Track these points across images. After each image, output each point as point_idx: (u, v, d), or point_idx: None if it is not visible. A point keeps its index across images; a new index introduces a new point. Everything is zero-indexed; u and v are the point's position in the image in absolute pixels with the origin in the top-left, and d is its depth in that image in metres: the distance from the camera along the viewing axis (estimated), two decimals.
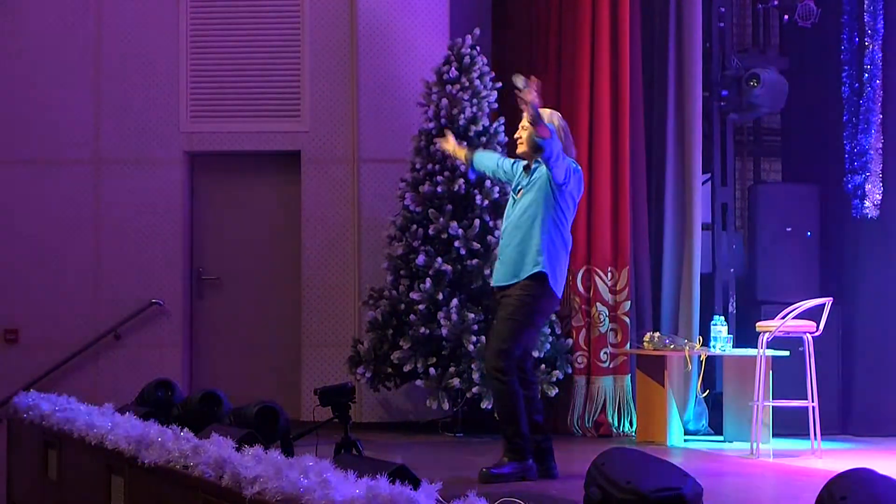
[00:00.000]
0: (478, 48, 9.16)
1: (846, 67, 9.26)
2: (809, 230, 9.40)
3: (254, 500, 3.90)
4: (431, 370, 8.63)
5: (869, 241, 9.21)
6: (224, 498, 4.20)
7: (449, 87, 8.99)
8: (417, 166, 9.05)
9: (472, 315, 8.54)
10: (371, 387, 9.05)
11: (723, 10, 9.65)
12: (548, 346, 8.64)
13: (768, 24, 10.02)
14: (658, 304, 9.17)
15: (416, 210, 8.95)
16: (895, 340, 9.09)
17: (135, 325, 9.96)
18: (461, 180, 8.82)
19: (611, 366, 8.95)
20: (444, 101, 8.96)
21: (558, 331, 8.85)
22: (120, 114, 10.07)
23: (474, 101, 8.94)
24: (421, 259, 8.77)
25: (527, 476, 6.24)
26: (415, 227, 8.92)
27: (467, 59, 9.05)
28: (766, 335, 7.86)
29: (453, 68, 9.03)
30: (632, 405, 8.87)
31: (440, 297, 8.65)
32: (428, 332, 8.64)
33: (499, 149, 8.72)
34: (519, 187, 6.51)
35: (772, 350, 8.08)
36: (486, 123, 8.96)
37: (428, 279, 8.68)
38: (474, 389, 8.49)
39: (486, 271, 8.65)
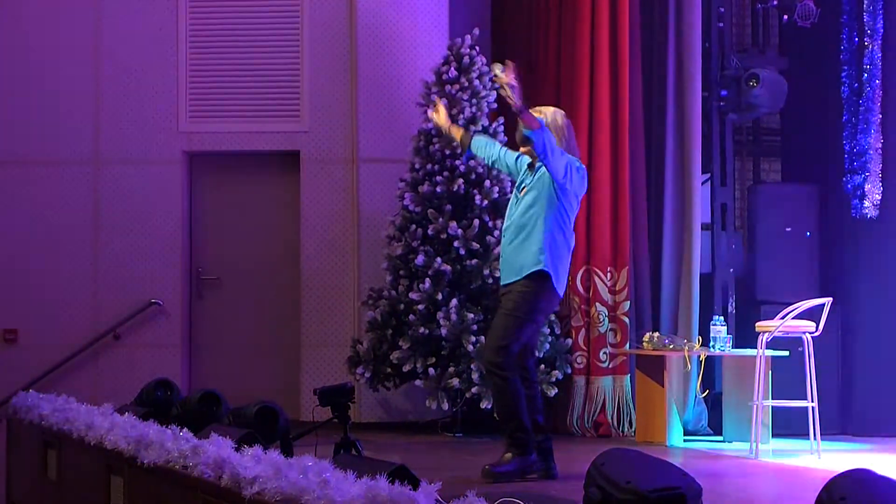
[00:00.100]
0: (477, 48, 9.16)
1: (845, 67, 9.26)
2: (809, 230, 9.40)
3: (253, 500, 3.90)
4: (431, 370, 8.63)
5: (868, 241, 9.21)
6: (223, 498, 4.20)
7: (448, 87, 8.99)
8: (417, 166, 9.05)
9: (471, 315, 8.54)
10: (370, 387, 9.05)
11: (722, 9, 9.64)
12: (547, 346, 8.64)
13: (768, 23, 10.01)
14: (657, 305, 9.17)
15: (415, 210, 8.95)
16: (895, 340, 9.09)
17: (134, 326, 9.96)
18: (460, 180, 8.82)
19: (610, 366, 8.95)
20: (444, 101, 8.95)
21: (557, 331, 8.86)
22: (119, 114, 10.07)
23: (473, 101, 8.94)
24: (420, 259, 8.76)
25: (531, 471, 6.23)
26: (414, 227, 8.92)
27: (466, 60, 9.05)
28: (766, 335, 7.86)
29: (452, 68, 9.03)
30: (631, 405, 8.87)
31: (439, 297, 8.65)
32: (427, 332, 8.64)
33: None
34: (523, 185, 6.48)
35: (771, 350, 8.08)
36: (486, 123, 8.96)
37: (427, 279, 8.68)
38: (473, 389, 8.49)
39: (486, 271, 8.65)
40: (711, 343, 8.47)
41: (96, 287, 10.00)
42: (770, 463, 7.56)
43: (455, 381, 8.52)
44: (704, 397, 8.97)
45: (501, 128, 8.96)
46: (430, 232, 8.82)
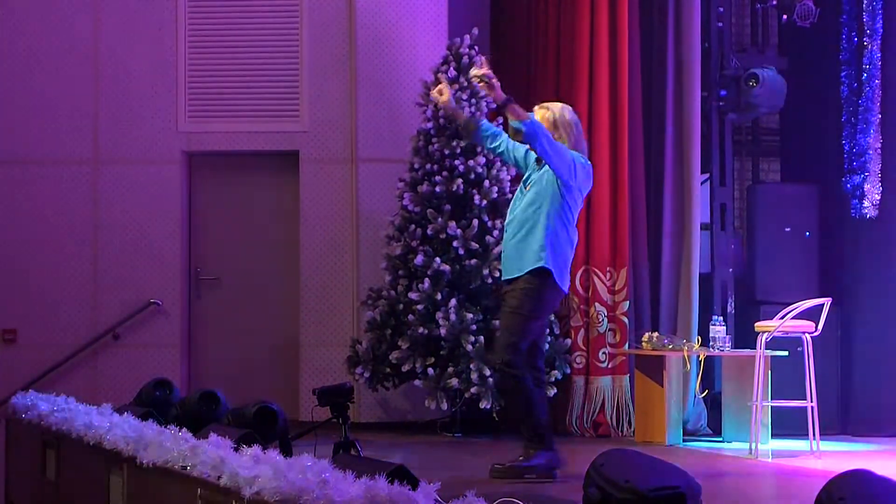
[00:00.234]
0: (476, 48, 9.15)
1: (845, 67, 9.26)
2: (808, 230, 9.40)
3: (252, 500, 3.90)
4: (430, 370, 8.63)
5: (868, 241, 9.21)
6: (222, 498, 4.20)
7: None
8: (416, 166, 9.05)
9: (470, 315, 8.54)
10: (369, 387, 9.05)
11: (721, 9, 9.64)
12: (546, 346, 8.63)
13: (767, 23, 10.01)
14: (657, 305, 9.16)
15: (414, 210, 8.95)
16: (894, 340, 9.09)
17: (133, 325, 9.96)
18: (459, 180, 8.82)
19: (609, 366, 8.94)
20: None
21: (557, 331, 8.85)
22: (118, 114, 10.06)
23: (472, 101, 8.93)
24: (419, 259, 8.76)
25: (556, 465, 6.21)
26: (413, 227, 8.92)
27: (466, 60, 9.05)
28: (765, 335, 7.86)
29: (452, 68, 9.02)
30: (630, 405, 8.87)
31: (439, 297, 8.64)
32: (426, 332, 8.64)
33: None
34: (529, 181, 6.46)
35: (770, 350, 8.08)
36: None
37: (426, 279, 8.67)
38: (473, 390, 8.48)
39: (485, 271, 8.65)
40: (711, 343, 8.47)
41: (95, 287, 10.00)
42: (769, 463, 7.56)
43: (454, 381, 8.51)
44: (704, 397, 8.97)
45: (501, 128, 8.93)
46: (429, 232, 8.82)
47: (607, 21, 9.06)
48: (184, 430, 5.16)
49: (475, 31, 9.23)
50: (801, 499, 5.38)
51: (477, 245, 8.70)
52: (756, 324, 8.12)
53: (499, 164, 8.93)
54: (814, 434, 7.79)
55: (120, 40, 10.09)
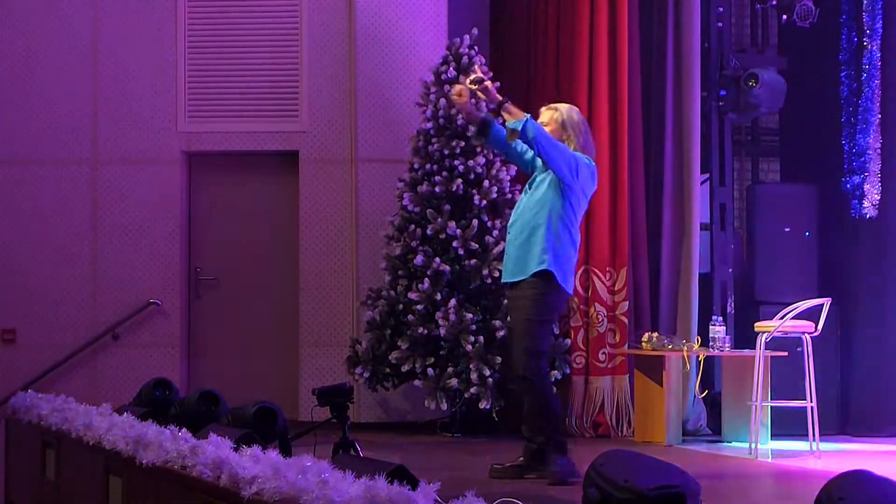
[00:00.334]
0: (476, 48, 9.15)
1: (844, 67, 9.26)
2: (808, 230, 9.40)
3: (252, 500, 3.89)
4: (429, 370, 8.63)
5: (867, 241, 9.21)
6: (222, 498, 4.20)
7: (447, 87, 8.97)
8: (416, 166, 9.05)
9: (470, 315, 8.54)
10: (369, 387, 9.05)
11: (721, 9, 9.64)
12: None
13: (767, 23, 10.01)
14: (656, 305, 9.16)
15: (414, 210, 8.95)
16: (894, 341, 9.09)
17: (133, 326, 9.96)
18: (459, 180, 8.82)
19: (609, 366, 8.94)
20: (443, 101, 8.95)
21: (556, 331, 8.84)
22: (118, 114, 10.06)
23: (472, 101, 8.90)
24: (419, 259, 8.76)
25: (574, 475, 6.20)
26: (413, 227, 8.92)
27: (465, 60, 9.04)
28: (765, 335, 7.86)
29: (451, 68, 9.02)
30: (630, 405, 8.87)
31: (438, 297, 8.64)
32: (426, 332, 8.64)
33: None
34: (534, 183, 6.43)
35: (770, 350, 8.08)
36: None
37: (426, 279, 8.67)
38: (472, 390, 8.49)
39: (485, 271, 8.65)
40: (710, 343, 8.47)
41: (95, 287, 10.00)
42: (769, 463, 7.56)
43: (454, 382, 8.51)
44: (703, 397, 8.97)
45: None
46: (428, 232, 8.82)
47: (607, 21, 9.06)
48: (183, 430, 5.16)
49: (475, 31, 9.23)
50: (801, 499, 5.38)
51: (476, 245, 8.70)
52: (756, 324, 8.12)
53: (498, 164, 8.93)
54: (813, 434, 7.79)
55: (120, 40, 10.09)
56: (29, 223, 10.03)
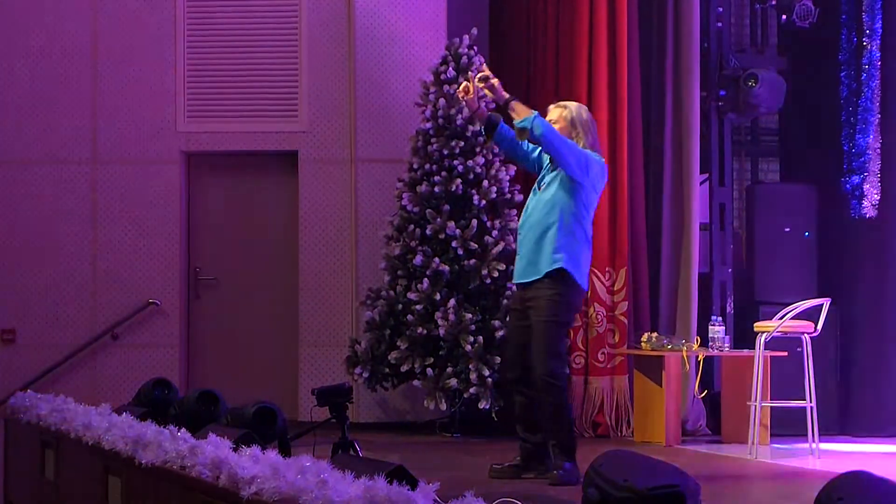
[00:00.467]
0: (475, 48, 9.15)
1: (844, 67, 9.27)
2: (807, 230, 9.40)
3: (251, 500, 3.89)
4: (429, 370, 8.63)
5: (867, 242, 9.21)
6: (221, 498, 4.19)
7: (446, 87, 8.99)
8: (415, 166, 9.04)
9: (469, 315, 8.54)
10: (368, 387, 9.04)
11: (720, 9, 9.64)
12: None
13: (766, 23, 10.01)
14: (656, 305, 9.17)
15: (413, 210, 8.95)
16: (893, 341, 9.09)
17: (132, 326, 9.96)
18: (458, 180, 8.82)
19: (608, 366, 8.94)
20: (442, 101, 8.95)
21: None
22: (117, 114, 10.06)
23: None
24: (418, 259, 8.76)
25: (579, 478, 6.19)
26: (412, 227, 8.92)
27: (465, 60, 9.04)
28: (764, 335, 7.86)
29: (451, 68, 9.02)
30: (629, 406, 8.87)
31: (437, 297, 8.64)
32: (425, 332, 8.64)
33: (496, 149, 8.70)
34: (542, 182, 6.42)
35: (770, 350, 8.08)
36: None
37: (425, 279, 8.67)
38: (472, 390, 8.48)
39: (484, 271, 8.65)
40: (710, 343, 8.47)
41: (94, 287, 10.00)
42: (769, 463, 7.56)
43: (453, 382, 8.51)
44: (703, 397, 8.96)
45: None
46: (428, 232, 8.81)
47: (606, 21, 9.06)
48: (182, 430, 5.15)
49: (474, 31, 9.23)
50: (801, 499, 5.38)
51: (476, 245, 8.70)
52: (755, 324, 8.12)
53: (498, 164, 8.93)
54: (813, 434, 7.78)
55: (119, 40, 10.08)
56: (29, 223, 10.02)
